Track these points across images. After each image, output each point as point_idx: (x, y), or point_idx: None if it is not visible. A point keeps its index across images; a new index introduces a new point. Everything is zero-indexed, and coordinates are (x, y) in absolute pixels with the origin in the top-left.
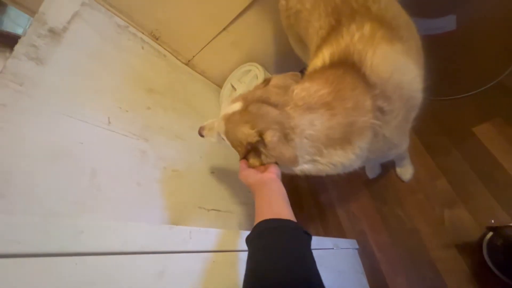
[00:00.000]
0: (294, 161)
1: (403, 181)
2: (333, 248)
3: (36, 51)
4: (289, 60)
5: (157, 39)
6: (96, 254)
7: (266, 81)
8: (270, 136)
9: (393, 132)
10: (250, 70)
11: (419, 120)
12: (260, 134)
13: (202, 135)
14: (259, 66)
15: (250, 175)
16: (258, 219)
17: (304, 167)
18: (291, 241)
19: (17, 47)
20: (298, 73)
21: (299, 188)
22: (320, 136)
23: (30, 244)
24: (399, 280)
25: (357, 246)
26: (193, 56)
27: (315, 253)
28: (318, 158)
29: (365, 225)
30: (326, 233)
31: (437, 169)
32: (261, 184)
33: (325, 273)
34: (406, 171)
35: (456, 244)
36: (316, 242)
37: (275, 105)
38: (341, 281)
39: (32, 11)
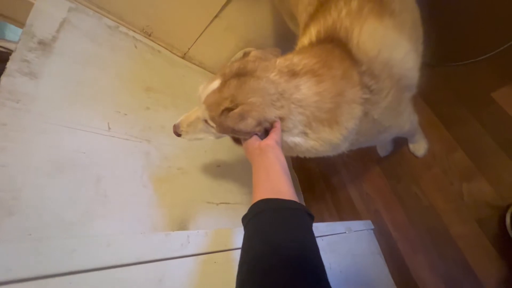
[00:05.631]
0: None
1: (417, 157)
2: (345, 232)
3: (28, 65)
4: (287, 41)
5: (149, 35)
6: (90, 270)
7: (246, 54)
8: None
9: (384, 114)
10: None
11: (431, 90)
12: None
13: (178, 135)
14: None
15: (249, 142)
16: (256, 195)
17: (296, 139)
18: (292, 225)
19: (9, 64)
20: (278, 49)
21: (310, 172)
22: (309, 102)
23: (21, 269)
24: (418, 259)
25: (372, 227)
26: (189, 48)
27: (326, 240)
28: (308, 131)
29: (379, 204)
30: (340, 216)
31: (454, 141)
32: (258, 152)
33: (339, 258)
34: (419, 147)
35: (477, 219)
36: (327, 228)
37: (252, 72)
38: (357, 265)
39: (22, 24)
